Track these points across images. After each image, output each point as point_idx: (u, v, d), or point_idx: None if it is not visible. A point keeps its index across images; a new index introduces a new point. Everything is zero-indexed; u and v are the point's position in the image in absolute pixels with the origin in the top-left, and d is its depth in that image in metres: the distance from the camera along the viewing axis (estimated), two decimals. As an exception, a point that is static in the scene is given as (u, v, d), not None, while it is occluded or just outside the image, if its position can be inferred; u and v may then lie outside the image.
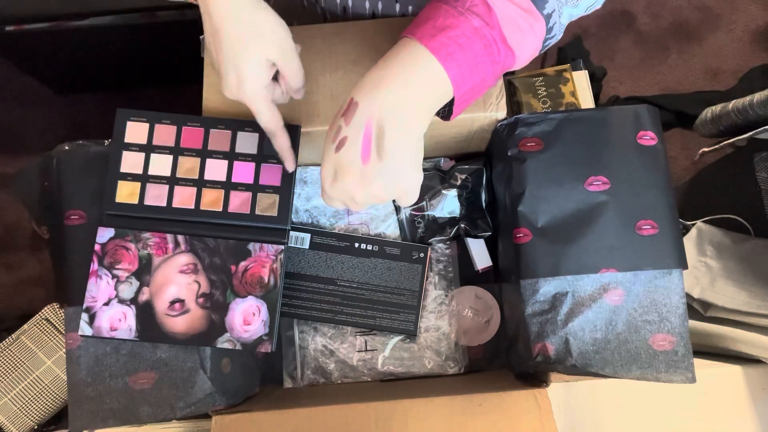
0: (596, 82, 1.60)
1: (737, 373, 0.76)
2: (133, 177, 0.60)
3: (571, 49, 1.65)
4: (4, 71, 1.65)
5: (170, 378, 0.58)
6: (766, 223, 0.94)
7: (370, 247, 0.73)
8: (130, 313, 0.58)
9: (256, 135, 0.61)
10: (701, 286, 0.88)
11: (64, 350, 0.77)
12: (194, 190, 0.60)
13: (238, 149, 0.61)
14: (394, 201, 0.70)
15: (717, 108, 0.95)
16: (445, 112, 0.54)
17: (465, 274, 0.76)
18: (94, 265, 0.58)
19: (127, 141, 0.60)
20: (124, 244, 0.59)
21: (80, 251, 0.59)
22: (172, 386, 0.58)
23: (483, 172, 0.73)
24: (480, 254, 0.75)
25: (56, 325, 1.16)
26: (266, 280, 0.60)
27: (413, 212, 0.75)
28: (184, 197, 0.60)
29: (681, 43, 1.73)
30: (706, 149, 1.00)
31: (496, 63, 0.48)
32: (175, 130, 0.61)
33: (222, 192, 0.60)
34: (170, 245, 0.59)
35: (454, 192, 0.74)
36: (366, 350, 0.74)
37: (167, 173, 0.60)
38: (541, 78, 0.86)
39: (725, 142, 0.94)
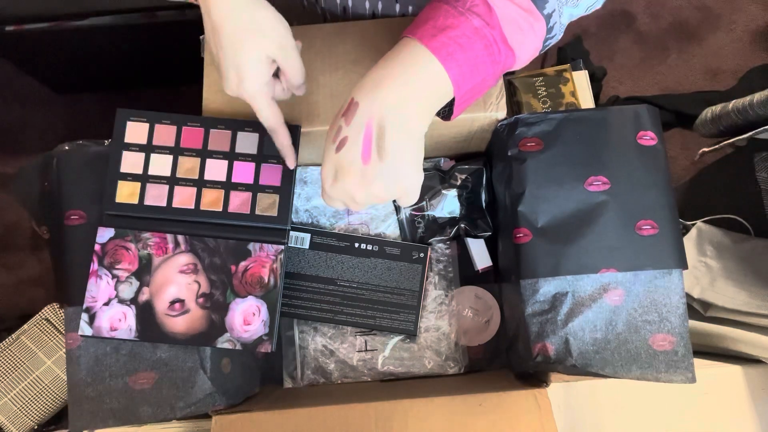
0: (596, 82, 1.60)
1: (737, 373, 0.76)
2: (133, 177, 0.60)
3: (571, 49, 1.65)
4: (4, 71, 1.65)
5: (170, 378, 0.58)
6: (766, 223, 0.94)
7: (370, 247, 0.73)
8: (130, 313, 0.58)
9: (256, 135, 0.61)
10: (701, 286, 0.88)
11: (64, 350, 0.77)
12: (194, 190, 0.60)
13: (238, 149, 0.61)
14: (394, 201, 0.70)
15: (717, 108, 0.95)
16: (446, 112, 0.54)
17: (465, 274, 0.76)
18: (94, 265, 0.58)
19: (127, 141, 0.60)
20: (124, 244, 0.59)
21: (80, 251, 0.59)
22: (172, 386, 0.58)
23: (483, 172, 0.73)
24: (480, 254, 0.75)
25: (56, 325, 1.16)
26: (266, 280, 0.60)
27: (413, 212, 0.75)
28: (184, 197, 0.60)
29: (681, 43, 1.72)
30: (706, 149, 1.00)
31: (496, 63, 0.48)
32: (175, 130, 0.61)
33: (222, 192, 0.60)
34: (170, 245, 0.59)
35: (454, 192, 0.74)
36: (366, 350, 0.74)
37: (167, 173, 0.60)
38: (541, 78, 0.86)
39: (725, 142, 0.94)
